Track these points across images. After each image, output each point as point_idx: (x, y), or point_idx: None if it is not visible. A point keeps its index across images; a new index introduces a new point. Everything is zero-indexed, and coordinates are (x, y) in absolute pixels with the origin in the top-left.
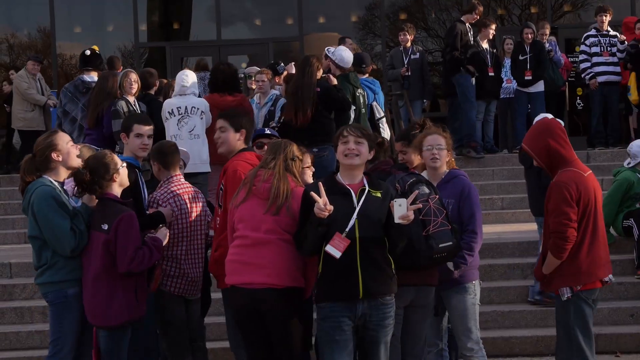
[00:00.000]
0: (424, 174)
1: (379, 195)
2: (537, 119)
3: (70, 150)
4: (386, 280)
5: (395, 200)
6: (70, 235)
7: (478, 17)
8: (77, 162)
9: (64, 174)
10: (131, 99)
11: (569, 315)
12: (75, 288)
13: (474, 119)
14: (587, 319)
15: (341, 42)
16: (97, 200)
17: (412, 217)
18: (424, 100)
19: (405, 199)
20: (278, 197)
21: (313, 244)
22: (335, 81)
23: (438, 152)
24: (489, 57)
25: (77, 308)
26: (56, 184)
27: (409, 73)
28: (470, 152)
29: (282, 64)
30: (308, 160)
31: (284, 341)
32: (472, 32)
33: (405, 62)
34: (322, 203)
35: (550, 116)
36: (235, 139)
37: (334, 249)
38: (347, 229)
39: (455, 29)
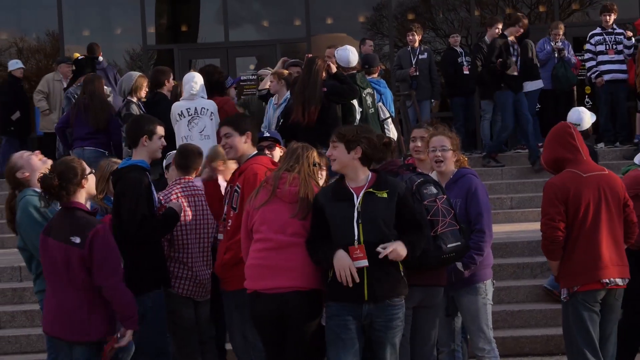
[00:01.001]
0: (433, 174)
1: (384, 195)
2: (570, 114)
3: (31, 161)
4: (393, 283)
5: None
6: None
7: (523, 31)
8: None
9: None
10: (135, 100)
11: (568, 316)
12: None
13: (503, 139)
14: (585, 322)
15: (362, 43)
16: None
17: (401, 253)
18: (432, 100)
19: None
20: (306, 202)
21: (324, 264)
22: (334, 68)
23: (442, 153)
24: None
25: None
26: (40, 190)
27: (417, 73)
28: (491, 162)
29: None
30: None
31: (300, 342)
32: (516, 47)
33: (413, 62)
34: (346, 282)
35: (584, 111)
36: (242, 142)
37: (359, 262)
38: (355, 238)
39: (494, 44)
